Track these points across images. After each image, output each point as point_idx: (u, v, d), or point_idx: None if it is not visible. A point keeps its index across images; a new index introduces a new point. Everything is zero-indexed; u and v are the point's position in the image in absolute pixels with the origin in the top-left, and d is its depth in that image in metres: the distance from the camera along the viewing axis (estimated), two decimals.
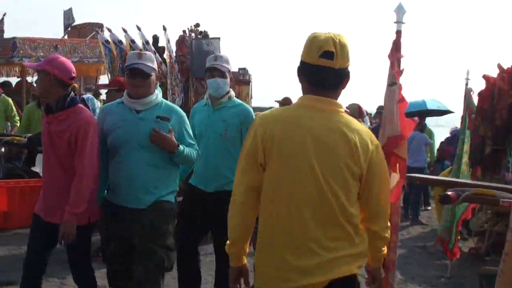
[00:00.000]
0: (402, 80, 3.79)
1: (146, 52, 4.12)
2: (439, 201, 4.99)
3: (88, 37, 10.49)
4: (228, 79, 4.61)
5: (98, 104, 9.04)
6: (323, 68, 2.54)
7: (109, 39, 7.48)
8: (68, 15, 13.91)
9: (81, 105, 3.92)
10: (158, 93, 3.92)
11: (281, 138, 2.53)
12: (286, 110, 2.76)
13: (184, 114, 4.00)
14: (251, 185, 2.58)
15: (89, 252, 4.09)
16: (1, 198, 7.47)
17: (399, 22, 3.74)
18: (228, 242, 2.67)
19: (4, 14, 13.00)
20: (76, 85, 11.97)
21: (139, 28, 7.10)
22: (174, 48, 7.41)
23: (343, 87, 2.64)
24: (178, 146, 3.81)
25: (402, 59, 3.80)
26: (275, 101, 12.13)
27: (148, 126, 3.76)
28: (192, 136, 4.05)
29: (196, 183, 4.56)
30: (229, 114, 4.54)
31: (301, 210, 2.51)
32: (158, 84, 3.98)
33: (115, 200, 3.86)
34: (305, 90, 2.63)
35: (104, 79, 12.57)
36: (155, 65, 3.89)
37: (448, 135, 13.03)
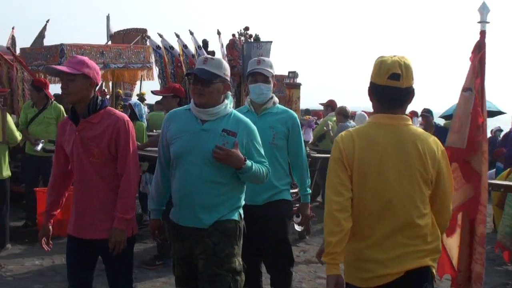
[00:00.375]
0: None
1: (215, 57, 3.75)
2: None
3: (133, 43, 10.46)
4: (272, 85, 4.41)
5: (145, 109, 8.99)
6: (392, 88, 2.90)
7: (160, 45, 7.41)
8: (108, 21, 13.95)
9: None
10: (228, 103, 3.58)
11: (359, 153, 2.89)
12: (361, 128, 3.06)
13: (254, 128, 3.64)
14: (347, 196, 2.89)
15: (132, 269, 3.86)
16: None
17: (483, 22, 3.57)
18: (325, 251, 2.89)
19: (47, 21, 13.13)
20: (120, 90, 12.04)
21: (191, 33, 7.02)
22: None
23: (409, 103, 2.99)
24: (245, 161, 3.46)
25: (482, 64, 3.62)
26: (319, 103, 12.06)
27: (212, 139, 3.45)
28: (263, 153, 3.67)
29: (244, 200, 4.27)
30: (275, 120, 4.34)
31: (381, 215, 2.88)
32: (230, 93, 3.65)
33: (176, 218, 3.61)
34: (375, 108, 3.02)
35: (149, 85, 12.56)
36: (222, 72, 3.53)
37: (489, 135, 12.71)
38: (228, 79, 3.63)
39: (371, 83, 2.99)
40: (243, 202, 3.66)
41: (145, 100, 12.56)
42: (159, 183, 3.75)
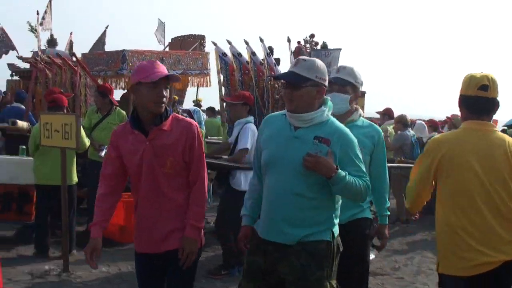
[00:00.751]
0: None
1: (307, 58, 3.46)
2: None
3: (191, 49, 10.46)
4: (350, 94, 4.12)
5: (204, 116, 8.95)
6: (480, 98, 3.34)
7: (228, 52, 7.36)
8: (162, 28, 14.00)
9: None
10: (325, 110, 3.31)
11: (452, 157, 3.30)
12: (453, 134, 3.64)
13: (353, 139, 3.33)
14: (421, 193, 3.50)
15: (193, 283, 3.67)
16: (118, 212, 7.44)
17: None
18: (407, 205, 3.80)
19: (107, 27, 13.32)
20: (176, 97, 12.06)
21: (261, 40, 6.95)
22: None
23: (494, 113, 3.44)
24: (337, 169, 3.17)
25: None
26: (376, 112, 11.90)
27: (303, 148, 3.20)
28: (363, 168, 3.34)
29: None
30: (361, 134, 3.96)
31: (477, 209, 3.24)
32: (328, 98, 3.40)
33: (261, 232, 3.38)
34: (465, 117, 3.44)
35: (205, 92, 12.52)
36: (313, 75, 3.25)
37: None
38: (324, 82, 3.36)
39: (461, 95, 3.43)
40: (336, 221, 3.38)
41: (201, 106, 12.57)
42: (253, 189, 3.60)
